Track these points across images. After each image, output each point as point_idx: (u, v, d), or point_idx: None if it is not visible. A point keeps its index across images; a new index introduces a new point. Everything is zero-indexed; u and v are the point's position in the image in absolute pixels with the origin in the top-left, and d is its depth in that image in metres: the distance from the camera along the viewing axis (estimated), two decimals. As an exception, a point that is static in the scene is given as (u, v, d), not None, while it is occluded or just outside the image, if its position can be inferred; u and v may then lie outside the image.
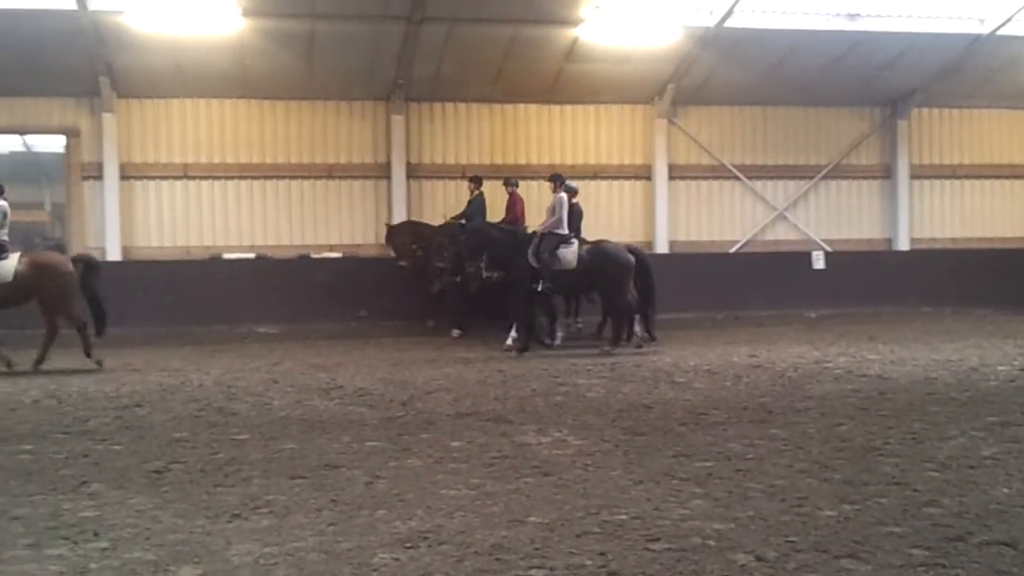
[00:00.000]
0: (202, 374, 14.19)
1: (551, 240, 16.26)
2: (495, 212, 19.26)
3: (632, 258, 16.50)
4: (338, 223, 22.14)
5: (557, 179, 16.83)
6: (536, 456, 8.48)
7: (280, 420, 10.38)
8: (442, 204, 22.53)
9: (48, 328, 14.82)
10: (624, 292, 16.42)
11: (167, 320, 19.78)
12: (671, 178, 23.60)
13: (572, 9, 20.21)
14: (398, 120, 22.11)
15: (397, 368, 14.64)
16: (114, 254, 20.72)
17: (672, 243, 23.54)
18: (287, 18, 19.28)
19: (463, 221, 18.79)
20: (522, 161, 22.99)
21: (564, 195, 16.69)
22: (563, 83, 22.36)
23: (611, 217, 23.39)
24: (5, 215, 14.64)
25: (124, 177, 20.96)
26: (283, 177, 21.95)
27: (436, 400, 11.64)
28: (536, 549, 5.88)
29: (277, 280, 20.61)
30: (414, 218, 21.33)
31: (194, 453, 8.74)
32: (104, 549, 5.99)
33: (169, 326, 19.59)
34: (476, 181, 19.52)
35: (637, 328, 17.15)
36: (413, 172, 22.29)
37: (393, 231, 20.14)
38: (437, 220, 20.46)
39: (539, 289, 16.21)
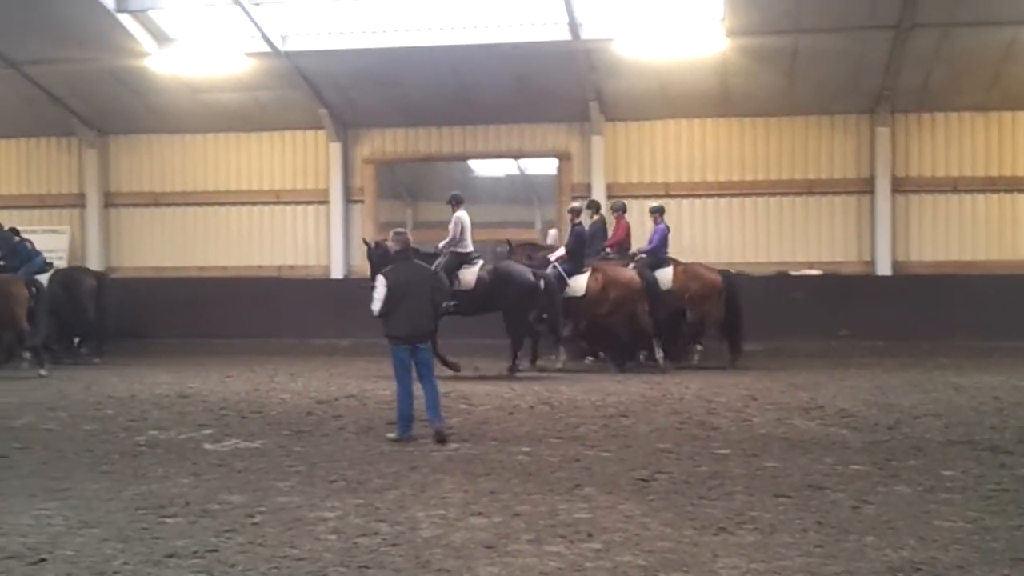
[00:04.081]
0: (682, 388, 14.49)
1: (453, 260, 16.18)
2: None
3: (535, 281, 16.06)
4: (817, 239, 21.69)
5: (454, 198, 16.74)
6: (1042, 492, 7.82)
7: (761, 437, 10.37)
8: (930, 218, 21.43)
9: None
10: (525, 314, 16.22)
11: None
12: None
13: (1084, 4, 18.42)
14: (883, 133, 21.27)
15: (881, 390, 14.10)
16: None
17: None
18: (770, 35, 19.22)
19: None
20: (1021, 173, 21.27)
21: (463, 213, 16.51)
22: (1071, 86, 20.42)
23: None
24: None
25: (610, 196, 21.88)
26: (762, 194, 21.88)
27: (924, 425, 11.10)
28: (1047, 593, 5.43)
29: (754, 297, 20.49)
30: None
31: (678, 465, 8.95)
32: (598, 550, 6.30)
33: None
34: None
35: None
36: (899, 186, 21.33)
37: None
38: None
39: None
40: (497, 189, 25.60)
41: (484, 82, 21.06)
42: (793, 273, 21.43)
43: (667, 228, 18.50)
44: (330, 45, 20.55)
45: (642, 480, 8.31)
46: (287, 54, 20.59)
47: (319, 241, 23.15)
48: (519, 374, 16.36)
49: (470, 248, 16.68)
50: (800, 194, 21.72)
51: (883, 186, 21.23)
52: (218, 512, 7.35)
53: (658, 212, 18.62)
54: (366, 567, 6.03)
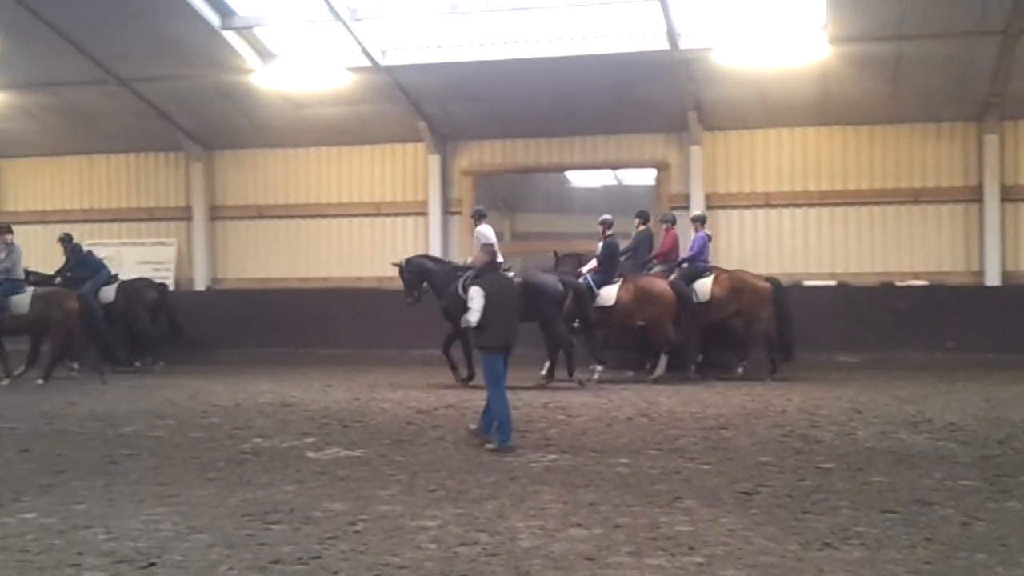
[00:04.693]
0: (784, 400, 14.30)
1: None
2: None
3: (564, 291, 15.89)
4: (923, 249, 21.17)
5: (477, 213, 17.37)
6: None
7: (866, 451, 10.17)
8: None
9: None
10: (557, 323, 16.34)
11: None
12: None
13: None
14: (991, 140, 20.66)
15: (990, 404, 13.74)
16: (698, 281, 21.51)
17: None
18: (873, 42, 18.82)
19: (624, 256, 18.60)
20: None
21: (486, 226, 16.88)
22: None
23: None
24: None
25: (709, 207, 21.67)
26: (865, 203, 21.45)
27: (1037, 440, 10.77)
28: None
29: (858, 308, 20.17)
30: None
31: (780, 478, 8.82)
32: (700, 564, 6.23)
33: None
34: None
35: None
36: (1008, 194, 20.71)
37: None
38: None
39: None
40: (594, 200, 25.53)
41: (582, 93, 21.03)
42: (898, 284, 20.95)
43: (707, 237, 18.62)
44: (429, 59, 20.74)
45: (744, 493, 8.20)
46: (387, 68, 20.83)
47: (418, 252, 23.28)
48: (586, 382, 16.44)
49: (497, 259, 16.83)
50: (905, 203, 21.24)
51: (992, 194, 20.64)
52: (321, 519, 7.45)
53: (699, 221, 18.79)
54: (466, 576, 6.06)
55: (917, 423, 12.00)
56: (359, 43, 20.05)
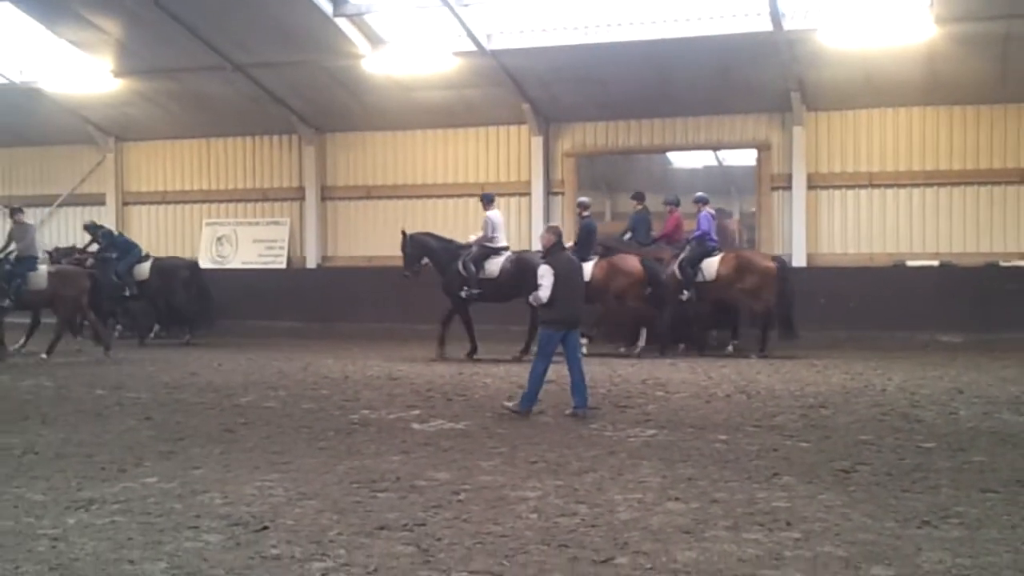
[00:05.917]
0: (884, 379, 14.25)
1: (481, 252, 18.00)
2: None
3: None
4: (1032, 230, 20.77)
5: (486, 197, 18.60)
6: None
7: (967, 431, 10.15)
8: None
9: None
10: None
11: (848, 325, 20.03)
12: None
13: None
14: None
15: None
16: (799, 260, 21.31)
17: None
18: (981, 21, 18.40)
19: (627, 236, 19.70)
20: None
21: (494, 212, 18.31)
22: None
23: None
24: None
25: (811, 187, 21.55)
26: (971, 183, 21.03)
27: None
28: None
29: (962, 289, 19.90)
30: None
31: (879, 456, 8.88)
32: (797, 539, 6.33)
33: (850, 331, 19.83)
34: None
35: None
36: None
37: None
38: None
39: (463, 296, 17.81)
40: (695, 181, 25.49)
41: (684, 75, 21.03)
42: (1003, 264, 20.54)
43: (712, 216, 18.96)
44: (533, 43, 20.93)
45: (843, 471, 8.27)
46: (492, 52, 21.06)
47: (521, 232, 23.57)
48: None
49: (501, 244, 18.26)
50: (1012, 183, 20.76)
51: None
52: (425, 488, 7.72)
53: (702, 202, 19.07)
54: (565, 546, 6.20)
55: (1020, 403, 11.89)
56: (465, 28, 20.33)
